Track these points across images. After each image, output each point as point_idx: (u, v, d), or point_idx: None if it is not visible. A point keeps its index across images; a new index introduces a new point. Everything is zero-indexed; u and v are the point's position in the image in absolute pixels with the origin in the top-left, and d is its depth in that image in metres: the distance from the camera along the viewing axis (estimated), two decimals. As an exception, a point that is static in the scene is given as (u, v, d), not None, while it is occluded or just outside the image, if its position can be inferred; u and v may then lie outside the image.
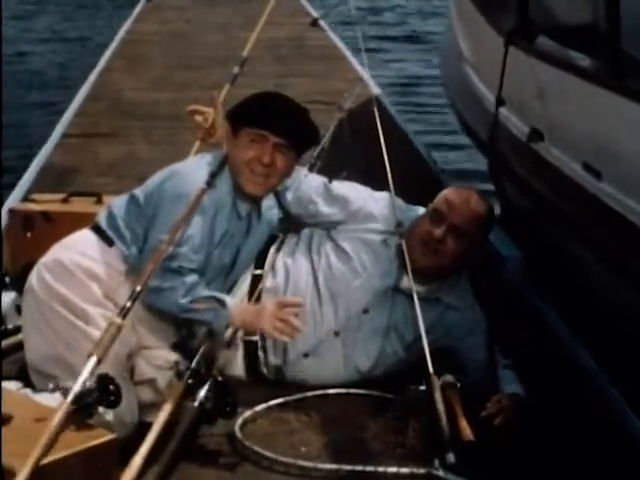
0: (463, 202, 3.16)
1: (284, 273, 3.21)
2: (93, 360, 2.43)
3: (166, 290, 2.87)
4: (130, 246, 2.95)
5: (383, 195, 3.35)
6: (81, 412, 2.33)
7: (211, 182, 2.95)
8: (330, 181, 3.36)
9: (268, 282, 3.18)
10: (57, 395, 2.40)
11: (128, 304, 2.60)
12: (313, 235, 3.32)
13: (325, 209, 3.31)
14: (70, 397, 2.33)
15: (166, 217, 2.90)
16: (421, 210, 3.33)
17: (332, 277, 3.19)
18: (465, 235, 3.14)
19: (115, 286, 2.92)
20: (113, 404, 2.41)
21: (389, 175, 3.32)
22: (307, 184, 3.31)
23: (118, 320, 2.55)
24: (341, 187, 3.35)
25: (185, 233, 2.88)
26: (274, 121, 3.01)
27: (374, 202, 3.32)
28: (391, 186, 3.31)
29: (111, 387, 2.39)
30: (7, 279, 3.60)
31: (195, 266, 2.93)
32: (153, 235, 2.91)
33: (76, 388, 2.35)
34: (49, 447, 2.22)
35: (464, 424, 2.73)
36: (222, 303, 2.90)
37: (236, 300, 3.01)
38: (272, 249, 3.28)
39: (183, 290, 2.88)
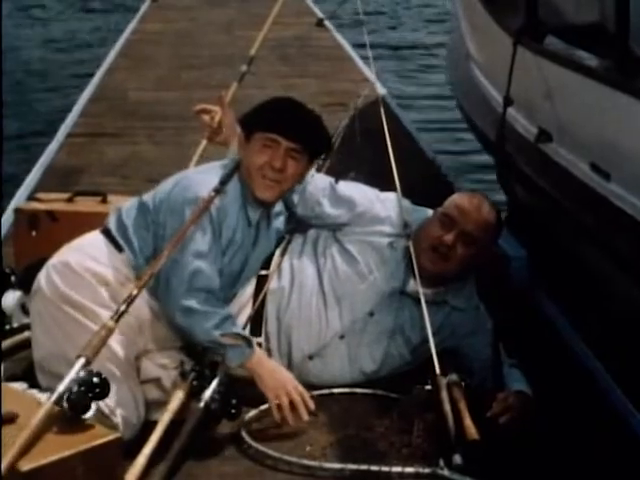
0: (475, 209, 3.15)
1: (290, 275, 3.19)
2: (81, 361, 2.40)
3: (200, 314, 2.83)
4: (138, 255, 2.93)
5: (390, 196, 3.33)
6: (72, 410, 2.30)
7: (220, 189, 2.92)
8: (336, 182, 3.34)
9: (273, 283, 3.16)
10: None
11: (122, 308, 2.58)
12: (319, 237, 3.30)
13: (331, 211, 3.28)
14: (54, 397, 2.30)
15: (177, 226, 2.85)
16: (429, 211, 3.31)
17: (338, 280, 3.17)
18: (475, 241, 3.13)
19: (123, 291, 2.86)
20: (100, 396, 2.37)
21: (395, 176, 3.30)
22: (313, 185, 3.28)
23: (110, 323, 2.52)
24: (347, 188, 3.32)
25: (197, 247, 2.85)
26: (287, 125, 2.98)
27: (380, 204, 3.30)
28: (397, 187, 3.30)
29: (95, 380, 2.35)
30: (13, 278, 3.59)
31: (217, 285, 2.89)
32: (165, 246, 2.85)
33: (61, 388, 2.31)
34: (27, 447, 2.19)
35: (469, 423, 2.71)
36: (249, 343, 2.87)
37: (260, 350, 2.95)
38: (278, 250, 3.25)
39: (217, 320, 2.83)
